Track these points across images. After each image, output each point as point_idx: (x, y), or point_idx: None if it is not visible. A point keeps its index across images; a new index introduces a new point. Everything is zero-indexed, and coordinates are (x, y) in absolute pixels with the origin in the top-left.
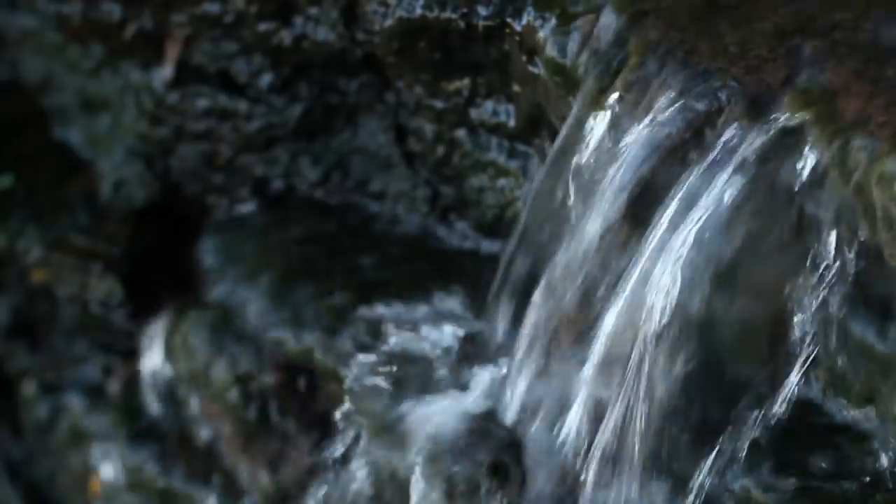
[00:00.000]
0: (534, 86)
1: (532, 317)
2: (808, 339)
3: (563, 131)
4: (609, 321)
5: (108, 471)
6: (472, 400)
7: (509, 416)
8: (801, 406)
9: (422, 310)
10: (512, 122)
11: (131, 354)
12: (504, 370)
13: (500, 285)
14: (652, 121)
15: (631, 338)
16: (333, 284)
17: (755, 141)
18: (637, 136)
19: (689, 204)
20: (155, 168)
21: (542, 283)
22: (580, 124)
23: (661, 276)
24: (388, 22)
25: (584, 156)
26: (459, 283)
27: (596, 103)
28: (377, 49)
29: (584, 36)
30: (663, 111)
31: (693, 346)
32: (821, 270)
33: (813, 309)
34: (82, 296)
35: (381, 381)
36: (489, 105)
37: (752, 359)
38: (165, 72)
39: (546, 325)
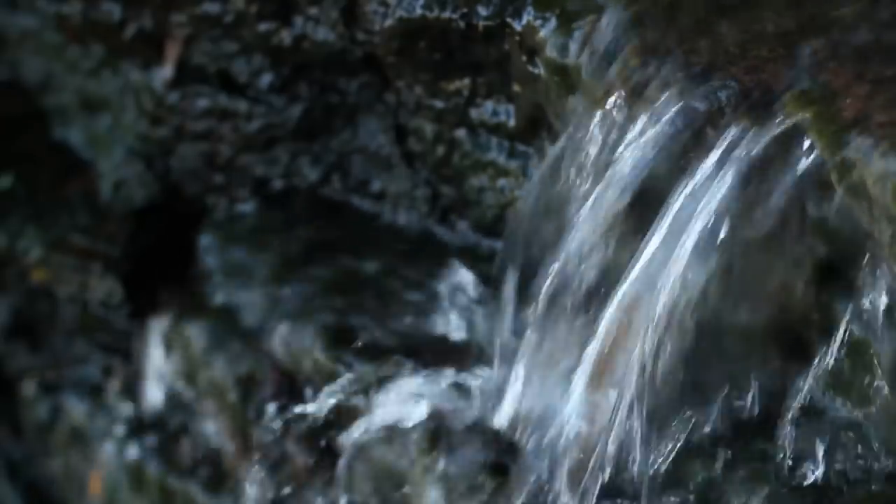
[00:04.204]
0: (534, 86)
1: (534, 317)
2: (810, 340)
3: (562, 131)
4: (606, 322)
5: (107, 471)
6: (474, 398)
7: (511, 414)
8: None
9: (422, 309)
10: (512, 122)
11: (131, 354)
12: (507, 367)
13: (501, 284)
14: (652, 121)
15: (630, 339)
16: (334, 284)
17: (756, 141)
18: (637, 136)
19: (689, 204)
20: (155, 168)
21: (545, 283)
22: (580, 124)
23: (661, 278)
24: (388, 22)
25: (583, 156)
26: (460, 282)
27: (596, 103)
28: (377, 49)
29: (584, 36)
30: (663, 111)
31: (695, 348)
32: (821, 270)
33: (814, 309)
34: (82, 296)
35: (382, 381)
36: (489, 105)
37: (757, 361)
38: (165, 72)
39: (549, 324)
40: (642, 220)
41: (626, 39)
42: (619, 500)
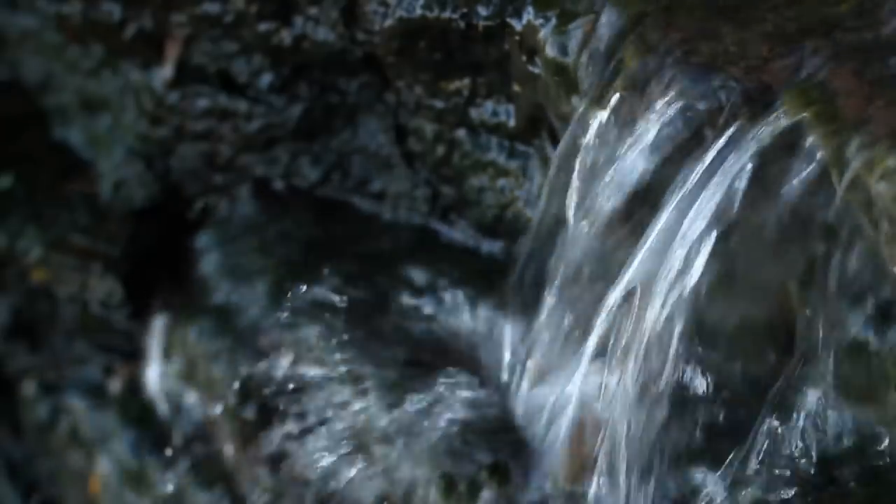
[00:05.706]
0: (534, 86)
1: (537, 317)
2: (810, 340)
3: (566, 133)
4: (605, 320)
5: (108, 471)
6: (476, 396)
7: (514, 412)
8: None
9: (423, 307)
10: (512, 122)
11: (132, 354)
12: (510, 365)
13: (515, 283)
14: (652, 121)
15: (630, 337)
16: (334, 284)
17: (755, 141)
18: (637, 136)
19: (689, 204)
20: (155, 168)
21: (550, 283)
22: (581, 125)
23: (660, 277)
24: (388, 22)
25: (584, 156)
26: (460, 281)
27: (596, 103)
28: (377, 49)
29: (584, 36)
30: (663, 111)
31: (694, 346)
32: (821, 270)
33: (814, 309)
34: (82, 296)
35: (383, 380)
36: (489, 105)
37: (756, 359)
38: (165, 72)
39: (552, 323)
40: (641, 220)
41: (625, 39)
42: None
